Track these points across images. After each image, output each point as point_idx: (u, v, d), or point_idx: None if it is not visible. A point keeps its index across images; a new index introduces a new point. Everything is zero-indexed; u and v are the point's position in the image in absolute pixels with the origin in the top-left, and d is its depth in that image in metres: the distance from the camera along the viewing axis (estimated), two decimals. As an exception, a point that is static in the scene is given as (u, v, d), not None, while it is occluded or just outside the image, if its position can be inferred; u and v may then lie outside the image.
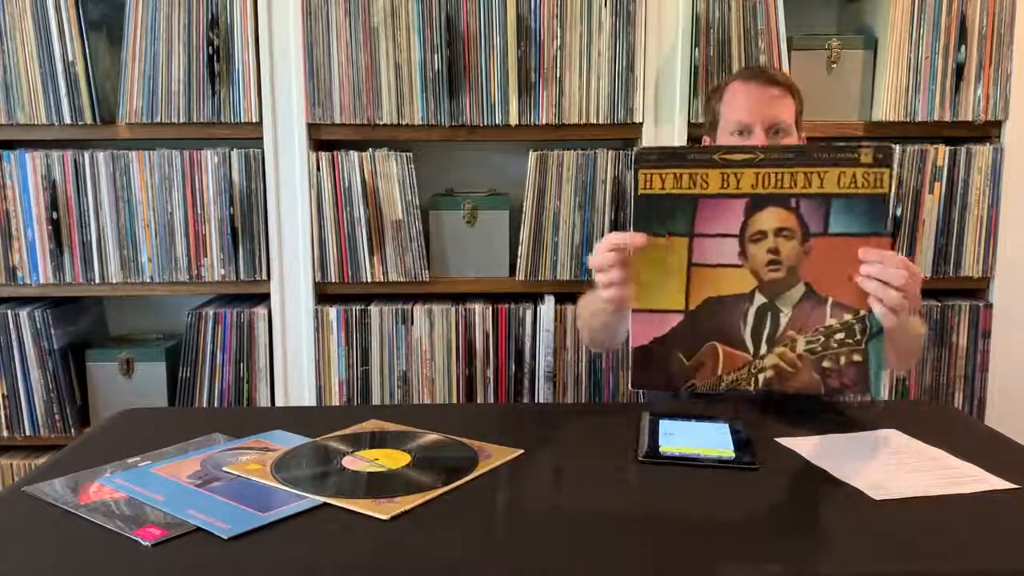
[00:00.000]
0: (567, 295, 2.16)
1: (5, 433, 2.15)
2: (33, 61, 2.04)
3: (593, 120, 2.07)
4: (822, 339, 1.18)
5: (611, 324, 1.49)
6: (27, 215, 2.09)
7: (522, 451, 1.22)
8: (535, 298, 2.18)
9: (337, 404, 2.14)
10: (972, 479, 1.12)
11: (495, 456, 1.20)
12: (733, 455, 1.19)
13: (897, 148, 1.14)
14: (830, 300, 1.16)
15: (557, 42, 2.04)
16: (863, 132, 2.11)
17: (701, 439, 1.26)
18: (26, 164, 2.08)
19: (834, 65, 2.11)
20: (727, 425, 1.31)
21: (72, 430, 2.15)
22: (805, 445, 1.25)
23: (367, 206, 2.08)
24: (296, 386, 2.15)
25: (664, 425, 1.32)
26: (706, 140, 1.65)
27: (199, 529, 0.97)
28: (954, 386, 2.15)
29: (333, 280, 2.12)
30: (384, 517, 1.00)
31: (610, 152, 2.09)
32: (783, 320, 1.18)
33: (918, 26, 2.04)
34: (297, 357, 2.14)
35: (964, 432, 1.38)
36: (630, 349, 1.24)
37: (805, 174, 1.09)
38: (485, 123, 2.06)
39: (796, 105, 1.54)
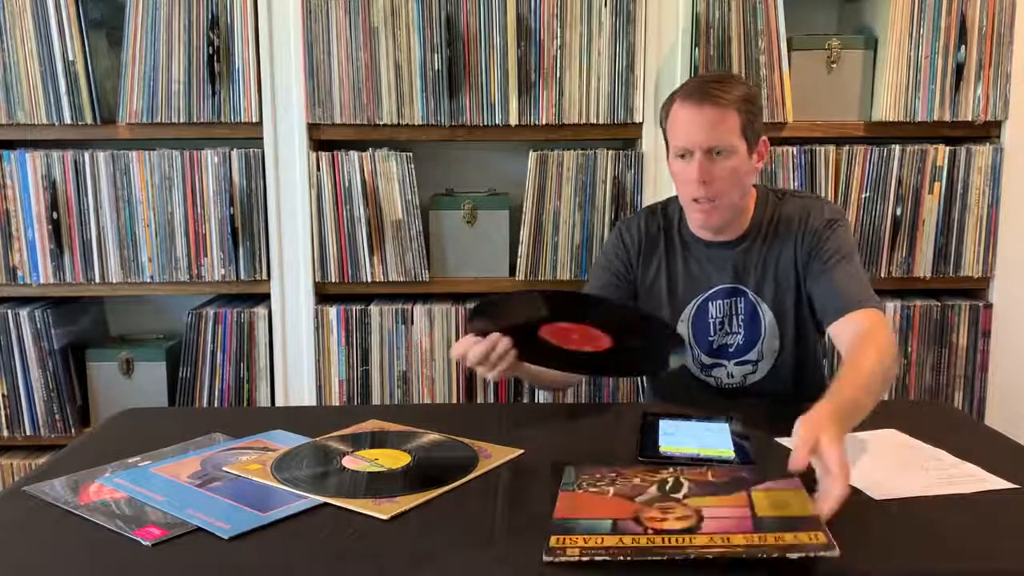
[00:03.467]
0: (567, 295, 2.16)
1: (5, 433, 2.15)
2: (33, 60, 2.04)
3: (593, 120, 2.07)
4: None
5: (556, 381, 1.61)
6: (27, 215, 2.09)
7: (522, 451, 1.22)
8: (535, 298, 2.17)
9: (337, 404, 2.14)
10: (972, 479, 1.12)
11: (495, 456, 1.20)
12: (733, 455, 1.19)
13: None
14: None
15: (557, 42, 2.04)
16: (863, 132, 2.11)
17: (701, 439, 1.26)
18: (26, 164, 2.08)
19: (834, 65, 2.11)
20: (727, 425, 1.32)
21: (72, 430, 2.14)
22: (805, 445, 1.25)
23: (367, 206, 2.08)
24: (296, 386, 2.15)
25: (664, 425, 1.32)
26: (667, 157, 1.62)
27: (199, 529, 0.97)
28: (954, 386, 2.15)
29: (333, 280, 2.12)
30: (384, 517, 1.00)
31: (610, 152, 2.09)
32: None
33: (918, 26, 2.04)
34: (297, 357, 2.14)
35: (964, 432, 1.38)
36: None
37: None
38: (485, 123, 2.06)
39: (743, 118, 1.47)
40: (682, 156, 1.49)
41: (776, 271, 1.56)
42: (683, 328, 1.59)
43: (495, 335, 1.30)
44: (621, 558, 0.87)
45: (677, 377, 1.61)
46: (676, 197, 1.72)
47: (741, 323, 1.58)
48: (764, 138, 1.54)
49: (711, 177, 1.46)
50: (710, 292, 1.58)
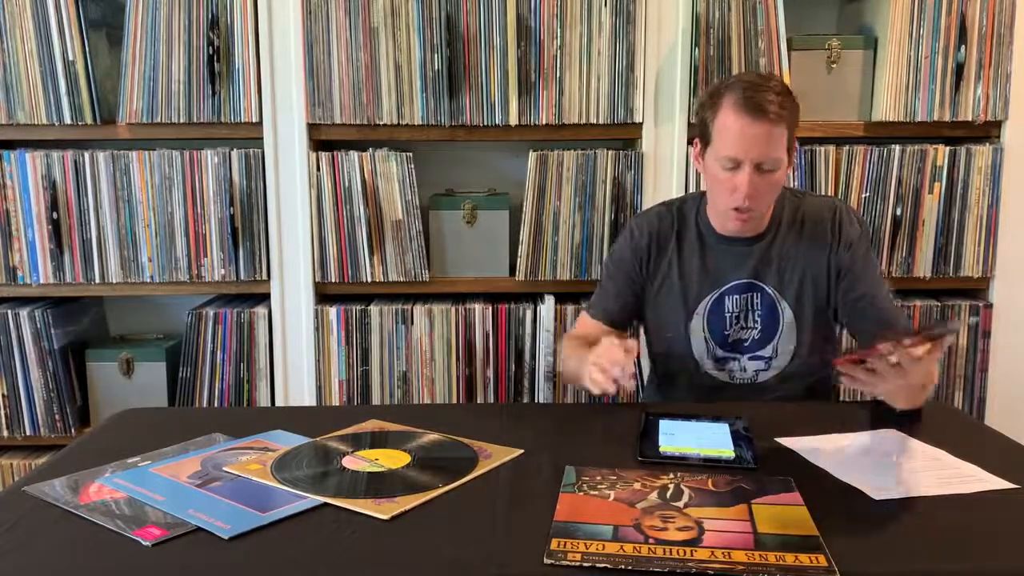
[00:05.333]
0: (567, 295, 2.16)
1: (5, 433, 2.15)
2: (33, 61, 2.04)
3: (593, 120, 2.07)
4: None
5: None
6: (27, 215, 2.09)
7: (522, 451, 1.22)
8: (535, 298, 2.18)
9: (337, 404, 2.14)
10: (972, 479, 1.12)
11: (495, 456, 1.20)
12: (733, 455, 1.19)
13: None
14: None
15: (557, 42, 2.04)
16: (863, 132, 2.11)
17: (701, 439, 1.26)
18: (26, 164, 2.08)
19: (834, 65, 2.11)
20: (727, 425, 1.32)
21: (72, 430, 2.14)
22: (805, 445, 1.25)
23: (367, 206, 2.08)
24: (296, 386, 2.15)
25: (664, 425, 1.32)
26: (696, 147, 1.61)
27: (199, 529, 0.97)
28: (954, 386, 2.15)
29: (333, 280, 2.12)
30: (384, 517, 1.00)
31: (610, 152, 2.09)
32: None
33: (918, 26, 2.04)
34: (297, 357, 2.14)
35: (964, 432, 1.38)
36: None
37: None
38: (485, 123, 2.06)
39: (789, 131, 1.48)
40: (729, 166, 1.48)
41: (803, 271, 1.57)
42: (698, 321, 1.60)
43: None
44: (622, 566, 0.87)
45: (685, 370, 1.61)
46: (693, 195, 1.71)
47: (758, 318, 1.58)
48: (795, 145, 1.56)
49: (757, 191, 1.47)
50: (727, 287, 1.59)
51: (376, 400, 2.14)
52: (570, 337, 1.67)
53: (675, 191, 2.07)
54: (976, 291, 2.19)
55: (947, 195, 2.09)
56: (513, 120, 2.06)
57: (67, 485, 1.11)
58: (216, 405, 2.15)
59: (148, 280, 2.12)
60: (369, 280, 2.12)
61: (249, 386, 2.16)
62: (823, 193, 2.07)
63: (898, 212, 2.09)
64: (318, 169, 2.07)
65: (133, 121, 2.06)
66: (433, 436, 1.28)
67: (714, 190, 1.55)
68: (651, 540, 0.92)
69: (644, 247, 1.63)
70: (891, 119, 2.07)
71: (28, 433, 2.15)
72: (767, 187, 1.48)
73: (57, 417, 2.14)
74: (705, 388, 1.62)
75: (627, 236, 1.66)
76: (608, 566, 0.87)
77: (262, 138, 2.08)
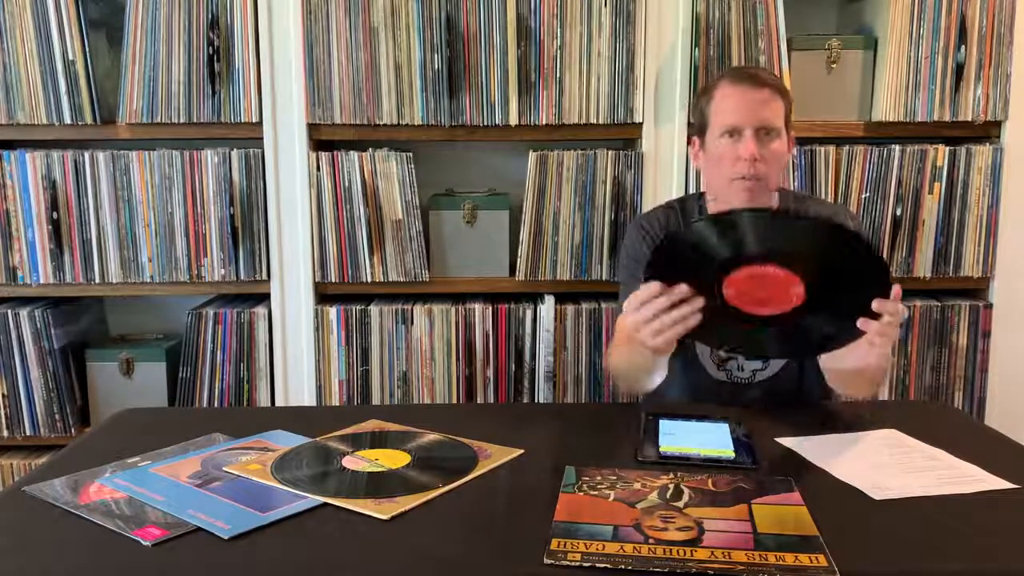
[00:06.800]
0: (567, 295, 2.16)
1: (5, 433, 2.15)
2: (33, 60, 2.04)
3: (593, 120, 2.07)
4: None
5: (652, 370, 1.47)
6: (27, 215, 2.09)
7: (522, 451, 1.22)
8: (535, 298, 2.18)
9: (337, 404, 2.14)
10: (972, 479, 1.12)
11: (495, 456, 1.20)
12: (733, 455, 1.19)
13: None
14: None
15: (557, 42, 2.04)
16: (863, 132, 2.11)
17: (701, 439, 1.26)
18: (26, 164, 2.08)
19: (834, 65, 2.11)
20: (727, 425, 1.32)
21: (72, 430, 2.14)
22: (805, 445, 1.25)
23: (367, 206, 2.08)
24: (296, 386, 2.15)
25: (664, 425, 1.32)
26: (695, 144, 1.63)
27: (199, 529, 0.97)
28: (954, 386, 2.15)
29: (333, 280, 2.12)
30: (384, 517, 1.00)
31: (610, 152, 2.09)
32: None
33: (918, 26, 2.04)
34: (297, 357, 2.14)
35: (964, 432, 1.38)
36: None
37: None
38: (485, 123, 2.06)
39: (785, 106, 1.53)
40: (730, 135, 1.50)
41: None
42: None
43: (683, 287, 1.18)
44: (622, 567, 0.87)
45: (683, 368, 1.61)
46: (692, 195, 1.73)
47: None
48: (792, 132, 1.58)
49: (761, 156, 1.48)
50: None
51: (376, 400, 2.14)
52: (619, 345, 1.60)
53: (675, 191, 2.07)
54: (976, 291, 2.19)
55: (947, 195, 2.09)
56: (513, 120, 2.06)
57: (67, 485, 1.11)
58: (216, 405, 2.15)
59: (148, 280, 2.12)
60: (369, 280, 2.12)
61: (249, 386, 2.16)
62: (823, 195, 2.07)
63: (898, 212, 2.09)
64: (318, 169, 2.07)
65: (133, 121, 2.06)
66: (433, 436, 1.28)
67: (718, 169, 1.54)
68: (651, 540, 0.92)
69: (658, 238, 1.63)
70: (891, 119, 2.07)
71: (28, 433, 2.15)
72: (770, 155, 1.49)
73: (57, 417, 2.14)
74: (702, 387, 1.62)
75: (638, 231, 1.66)
76: (608, 566, 0.87)
77: (262, 138, 2.08)
